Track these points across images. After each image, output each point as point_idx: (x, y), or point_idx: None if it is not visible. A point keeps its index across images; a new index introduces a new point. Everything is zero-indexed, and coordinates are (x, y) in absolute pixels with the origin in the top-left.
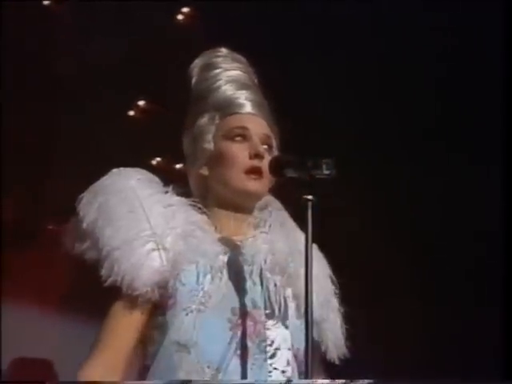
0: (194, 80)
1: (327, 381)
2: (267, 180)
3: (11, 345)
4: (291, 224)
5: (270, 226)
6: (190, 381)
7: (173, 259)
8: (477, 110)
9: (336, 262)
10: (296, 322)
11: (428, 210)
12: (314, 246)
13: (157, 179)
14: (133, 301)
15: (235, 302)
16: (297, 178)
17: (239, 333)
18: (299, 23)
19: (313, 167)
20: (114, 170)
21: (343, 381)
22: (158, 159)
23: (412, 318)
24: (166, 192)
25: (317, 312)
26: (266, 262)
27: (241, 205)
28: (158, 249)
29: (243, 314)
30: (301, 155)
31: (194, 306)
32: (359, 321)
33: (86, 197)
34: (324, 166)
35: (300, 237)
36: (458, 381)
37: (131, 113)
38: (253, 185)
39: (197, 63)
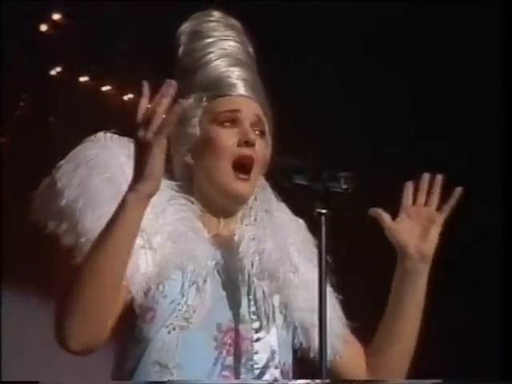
0: (181, 49)
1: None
2: (256, 175)
3: None
4: (276, 207)
5: (255, 217)
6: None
7: (159, 263)
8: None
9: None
10: (283, 333)
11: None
12: (310, 249)
13: None
14: None
15: (221, 317)
16: (307, 186)
17: (225, 352)
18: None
19: (329, 179)
20: (100, 137)
21: (327, 381)
22: (59, 69)
23: None
24: None
25: (307, 318)
26: (253, 265)
27: (226, 207)
28: (145, 247)
29: (230, 330)
30: (312, 163)
31: (176, 323)
32: (357, 319)
33: (65, 166)
34: (342, 180)
35: (288, 228)
36: (457, 381)
37: (43, 28)
38: (240, 187)
39: (185, 29)
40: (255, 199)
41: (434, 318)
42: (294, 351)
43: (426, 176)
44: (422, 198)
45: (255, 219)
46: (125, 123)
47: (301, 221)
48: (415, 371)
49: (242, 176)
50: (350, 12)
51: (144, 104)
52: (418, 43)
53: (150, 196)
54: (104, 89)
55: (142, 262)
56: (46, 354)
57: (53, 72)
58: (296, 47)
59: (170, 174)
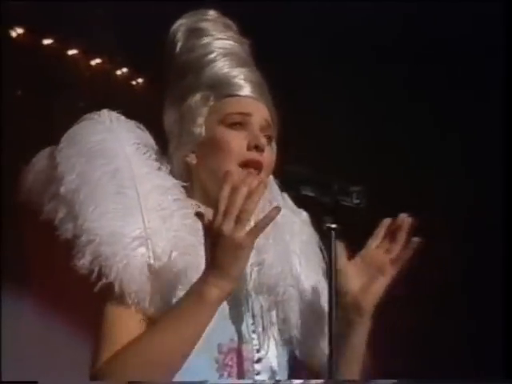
0: (178, 46)
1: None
2: (265, 177)
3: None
4: (280, 203)
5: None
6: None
7: (164, 274)
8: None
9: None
10: (280, 350)
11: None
12: (312, 248)
13: (152, 142)
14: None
15: (222, 337)
16: (315, 198)
17: (226, 374)
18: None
19: (339, 193)
20: (105, 119)
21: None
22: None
23: (412, 317)
24: (159, 168)
25: (306, 333)
26: (251, 277)
27: None
28: (149, 256)
29: (231, 352)
30: (323, 175)
31: None
32: None
33: (66, 149)
34: (354, 195)
35: (291, 227)
36: (458, 381)
37: None
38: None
39: (180, 26)
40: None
41: (434, 318)
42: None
43: (403, 217)
44: (386, 243)
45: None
46: (92, 88)
47: (304, 214)
48: (416, 371)
49: (251, 171)
50: (356, 20)
51: (227, 193)
52: (425, 52)
53: (231, 293)
54: (70, 53)
55: (147, 276)
56: (45, 354)
57: (14, 34)
58: (306, 55)
59: (172, 172)
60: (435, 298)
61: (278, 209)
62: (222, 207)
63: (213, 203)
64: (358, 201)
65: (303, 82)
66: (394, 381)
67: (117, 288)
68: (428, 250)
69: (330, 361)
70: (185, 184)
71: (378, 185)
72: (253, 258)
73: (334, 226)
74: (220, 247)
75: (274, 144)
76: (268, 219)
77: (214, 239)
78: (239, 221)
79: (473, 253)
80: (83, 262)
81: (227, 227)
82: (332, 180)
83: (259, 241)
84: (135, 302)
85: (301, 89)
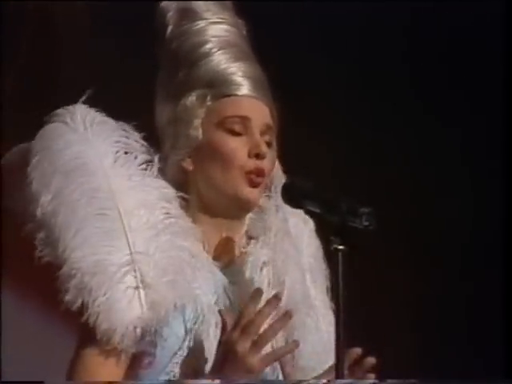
0: (169, 29)
1: None
2: (264, 184)
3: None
4: (291, 212)
5: (273, 239)
6: None
7: (155, 302)
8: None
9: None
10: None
11: (429, 206)
12: (320, 263)
13: (135, 143)
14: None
15: None
16: (320, 215)
17: None
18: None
19: (348, 213)
20: (78, 125)
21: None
22: None
23: (411, 316)
24: (143, 177)
25: (316, 366)
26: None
27: (231, 214)
28: (138, 287)
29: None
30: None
31: (177, 370)
32: (355, 318)
33: (40, 163)
34: (364, 217)
35: (302, 237)
36: (458, 381)
37: None
38: (251, 193)
39: (170, 4)
40: (270, 215)
41: (434, 318)
42: None
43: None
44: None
45: (273, 242)
46: None
47: (311, 223)
48: (415, 371)
49: (253, 181)
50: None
51: (253, 311)
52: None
53: None
54: None
55: (136, 310)
56: (49, 353)
57: None
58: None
59: (164, 177)
60: (435, 298)
61: (296, 343)
62: (243, 322)
63: (211, 212)
64: (367, 223)
65: (308, 88)
66: (393, 380)
67: (91, 324)
68: (428, 251)
69: (337, 363)
70: (180, 194)
71: (386, 205)
72: (267, 275)
73: (341, 247)
74: (230, 363)
75: (274, 146)
76: (288, 349)
77: (227, 352)
78: (255, 345)
79: (473, 252)
80: (69, 298)
81: (242, 347)
82: (340, 198)
83: (276, 257)
84: (104, 340)
85: (306, 98)
